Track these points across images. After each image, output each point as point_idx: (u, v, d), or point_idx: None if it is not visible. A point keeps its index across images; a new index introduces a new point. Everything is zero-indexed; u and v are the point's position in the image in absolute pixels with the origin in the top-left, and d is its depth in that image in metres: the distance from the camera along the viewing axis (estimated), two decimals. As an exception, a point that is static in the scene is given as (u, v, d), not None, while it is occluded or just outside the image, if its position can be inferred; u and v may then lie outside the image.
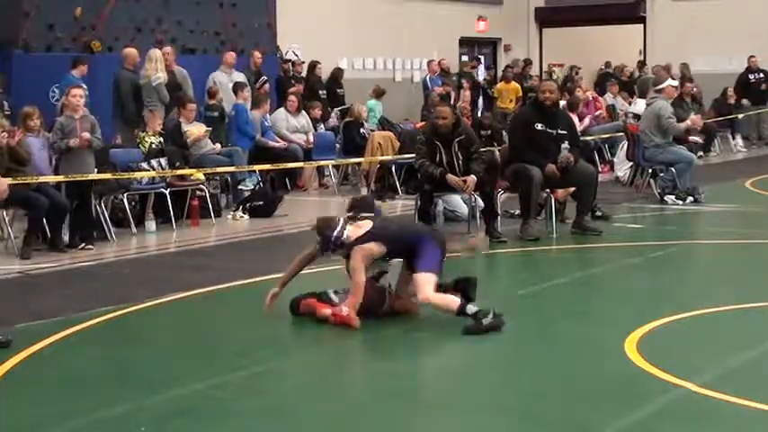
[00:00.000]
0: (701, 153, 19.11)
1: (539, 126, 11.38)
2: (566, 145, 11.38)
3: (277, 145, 16.26)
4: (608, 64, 26.74)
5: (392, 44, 24.34)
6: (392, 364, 6.74)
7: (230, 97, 16.17)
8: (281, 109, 17.20)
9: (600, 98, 20.89)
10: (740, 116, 23.67)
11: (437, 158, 11.13)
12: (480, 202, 11.52)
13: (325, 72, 20.90)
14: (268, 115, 16.79)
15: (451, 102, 18.53)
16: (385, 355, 6.95)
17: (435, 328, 7.50)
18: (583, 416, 5.55)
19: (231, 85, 16.44)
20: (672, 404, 5.68)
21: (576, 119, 17.98)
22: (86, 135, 11.30)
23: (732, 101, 23.77)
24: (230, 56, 17.28)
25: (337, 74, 21.34)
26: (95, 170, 11.65)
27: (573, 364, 6.57)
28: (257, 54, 18.24)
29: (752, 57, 24.62)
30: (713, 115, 22.82)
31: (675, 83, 15.63)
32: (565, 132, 11.50)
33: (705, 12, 26.58)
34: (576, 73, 25.27)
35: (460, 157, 11.15)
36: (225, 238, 12.18)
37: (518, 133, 11.69)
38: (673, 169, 14.22)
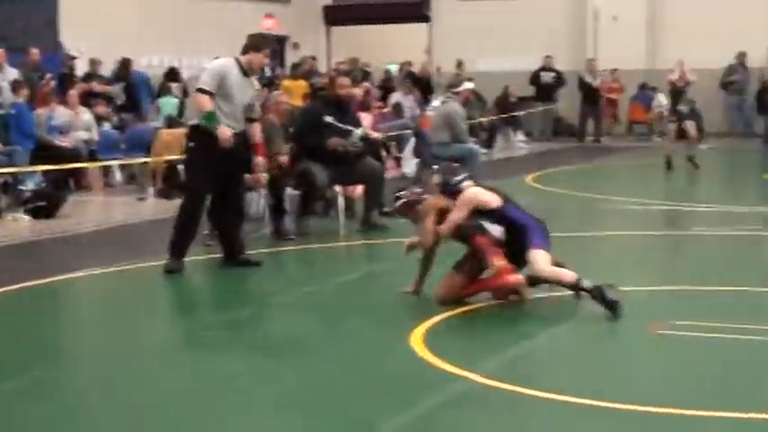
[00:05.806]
0: (484, 150, 19.58)
1: (328, 119, 11.46)
2: (358, 131, 11.50)
3: (62, 144, 15.80)
4: (409, 63, 26.96)
5: (178, 41, 23.98)
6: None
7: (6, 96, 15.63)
8: (62, 107, 16.71)
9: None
10: (522, 113, 24.46)
11: None
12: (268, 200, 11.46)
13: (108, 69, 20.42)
14: (53, 113, 16.31)
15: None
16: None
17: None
18: (368, 411, 5.57)
19: (4, 83, 15.88)
20: (455, 394, 5.78)
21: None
22: None
23: (513, 99, 24.54)
24: None
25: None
26: None
27: (358, 361, 6.59)
28: (34, 51, 17.71)
29: (547, 56, 25.58)
30: (496, 113, 23.49)
31: (471, 85, 15.97)
32: (352, 129, 11.62)
33: (489, 13, 27.24)
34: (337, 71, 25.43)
35: None
36: (4, 241, 11.74)
37: (307, 127, 11.71)
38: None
